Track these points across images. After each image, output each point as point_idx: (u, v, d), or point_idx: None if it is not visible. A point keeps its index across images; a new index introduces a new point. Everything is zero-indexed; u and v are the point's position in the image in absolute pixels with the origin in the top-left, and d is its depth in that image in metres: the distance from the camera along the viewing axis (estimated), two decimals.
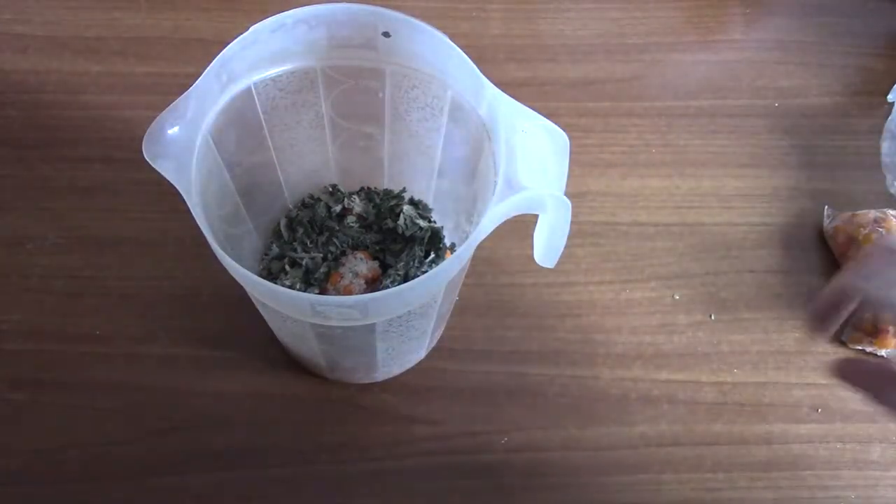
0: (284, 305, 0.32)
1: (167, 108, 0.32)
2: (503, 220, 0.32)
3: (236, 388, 0.44)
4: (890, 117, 0.51)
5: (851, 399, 0.45)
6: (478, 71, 0.34)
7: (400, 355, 0.41)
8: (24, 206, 0.49)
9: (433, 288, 0.33)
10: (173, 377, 0.44)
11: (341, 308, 0.31)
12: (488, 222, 0.32)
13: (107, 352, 0.44)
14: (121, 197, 0.49)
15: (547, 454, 0.43)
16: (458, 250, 0.32)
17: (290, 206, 0.47)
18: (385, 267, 0.45)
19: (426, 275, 0.31)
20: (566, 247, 0.34)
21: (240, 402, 0.43)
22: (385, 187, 0.47)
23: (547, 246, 0.36)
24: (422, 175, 0.45)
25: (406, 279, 0.43)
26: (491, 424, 0.43)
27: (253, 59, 0.36)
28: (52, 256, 0.47)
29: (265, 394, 0.44)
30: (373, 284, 0.43)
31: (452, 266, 0.32)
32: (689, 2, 0.62)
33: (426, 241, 0.45)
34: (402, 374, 0.44)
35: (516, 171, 0.32)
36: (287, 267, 0.44)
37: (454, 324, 0.46)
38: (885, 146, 0.51)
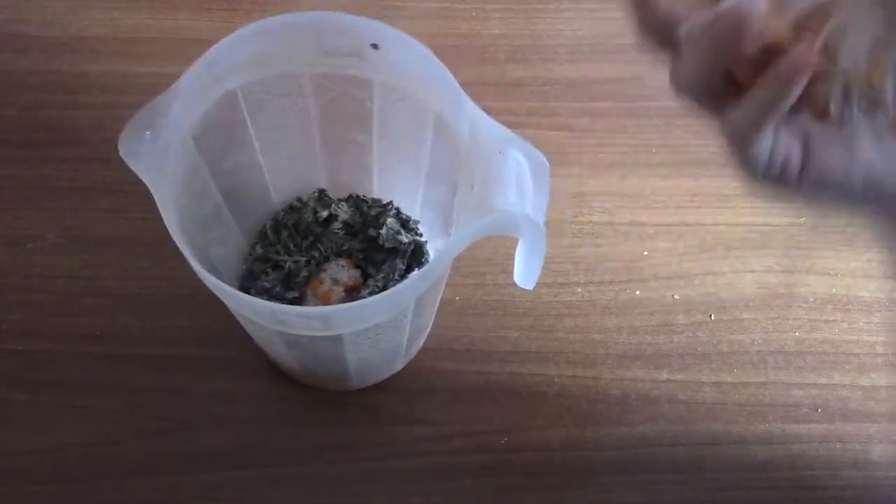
0: (247, 311, 0.32)
1: (145, 107, 0.33)
2: (475, 240, 0.32)
3: (236, 388, 0.44)
4: None
5: (850, 399, 0.45)
6: (460, 90, 0.34)
7: (374, 366, 0.41)
8: (24, 205, 0.49)
9: (400, 303, 0.33)
10: (173, 377, 0.44)
11: (302, 318, 0.31)
12: (459, 241, 0.32)
13: (106, 352, 0.44)
14: (121, 197, 0.49)
15: (547, 454, 0.43)
16: (426, 267, 0.32)
17: (278, 209, 0.47)
18: (368, 276, 0.44)
19: (391, 290, 0.31)
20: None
21: (239, 402, 0.43)
22: (374, 195, 0.47)
23: (525, 268, 0.36)
24: (410, 184, 0.45)
25: (384, 291, 0.43)
26: (490, 424, 0.43)
27: (238, 62, 0.36)
28: (52, 256, 0.47)
29: (265, 394, 0.44)
30: (352, 293, 0.43)
31: (419, 282, 0.32)
32: None
33: (408, 254, 0.45)
34: (401, 375, 0.44)
35: (491, 192, 0.32)
36: (269, 269, 0.44)
37: (454, 324, 0.46)
38: None
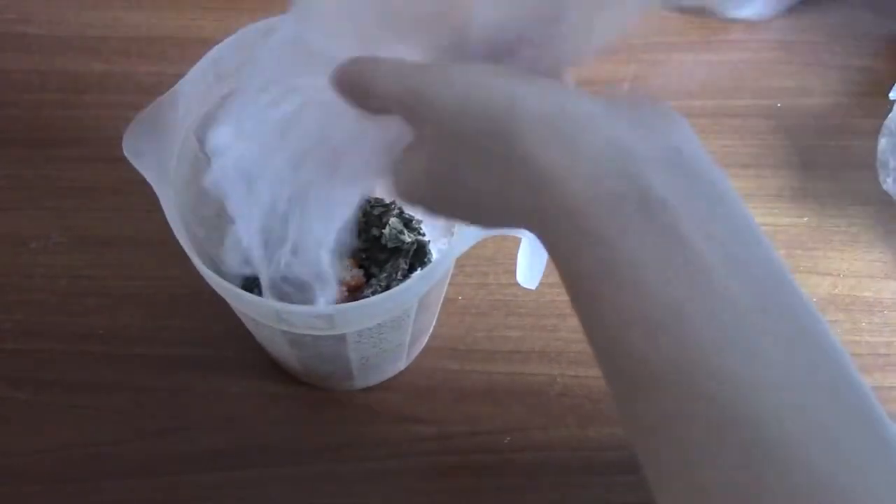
0: (250, 309, 0.32)
1: (148, 107, 0.33)
2: (478, 240, 0.32)
3: (236, 388, 0.44)
4: (890, 115, 0.51)
5: None
6: None
7: (377, 365, 0.41)
8: (27, 205, 0.49)
9: (402, 302, 0.33)
10: (173, 377, 0.44)
11: (306, 317, 0.31)
12: (462, 241, 0.32)
13: (107, 351, 0.44)
14: (123, 197, 0.49)
15: (548, 454, 0.42)
16: (429, 267, 0.32)
17: None
18: (370, 276, 0.44)
19: (393, 290, 0.31)
20: None
21: (239, 402, 0.43)
22: (377, 195, 0.47)
23: (528, 268, 0.36)
24: None
25: (387, 290, 0.43)
26: (492, 424, 0.43)
27: (241, 61, 0.36)
28: (55, 256, 0.47)
29: (265, 393, 0.43)
30: (355, 292, 0.43)
31: (421, 282, 0.32)
32: (691, 1, 0.62)
33: (411, 253, 0.45)
34: (404, 374, 0.44)
35: None
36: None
37: (456, 323, 0.46)
38: (882, 143, 0.51)
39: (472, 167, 0.23)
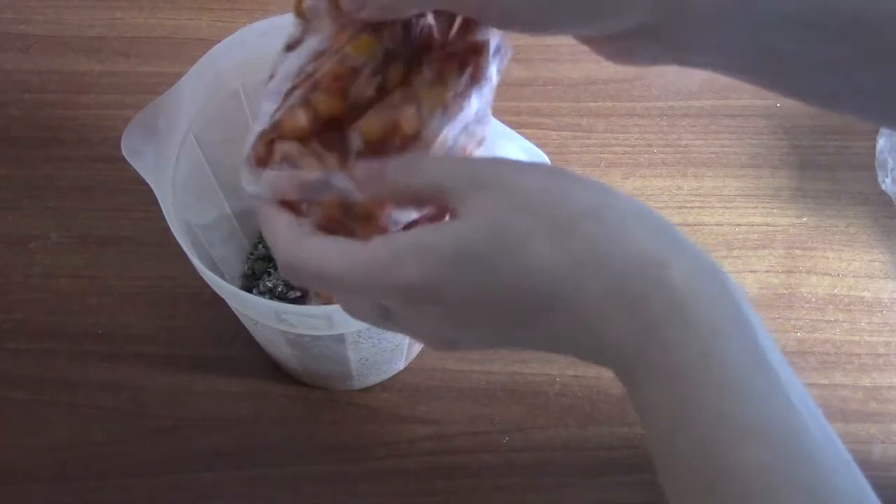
0: (250, 310, 0.32)
1: (147, 107, 0.33)
2: None
3: (236, 387, 0.44)
4: None
5: (851, 399, 0.45)
6: None
7: (375, 365, 0.41)
8: (26, 205, 0.49)
9: None
10: (173, 377, 0.44)
11: (305, 317, 0.31)
12: None
13: (107, 351, 0.44)
14: (123, 196, 0.49)
15: (548, 454, 0.42)
16: None
17: None
18: None
19: None
20: None
21: (240, 402, 0.43)
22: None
23: None
24: None
25: None
26: (492, 424, 0.43)
27: (240, 61, 0.36)
28: (55, 255, 0.47)
29: (265, 393, 0.44)
30: None
31: None
32: None
33: None
34: (403, 374, 0.44)
35: None
36: (271, 268, 0.44)
37: None
38: (881, 143, 0.51)
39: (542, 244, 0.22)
